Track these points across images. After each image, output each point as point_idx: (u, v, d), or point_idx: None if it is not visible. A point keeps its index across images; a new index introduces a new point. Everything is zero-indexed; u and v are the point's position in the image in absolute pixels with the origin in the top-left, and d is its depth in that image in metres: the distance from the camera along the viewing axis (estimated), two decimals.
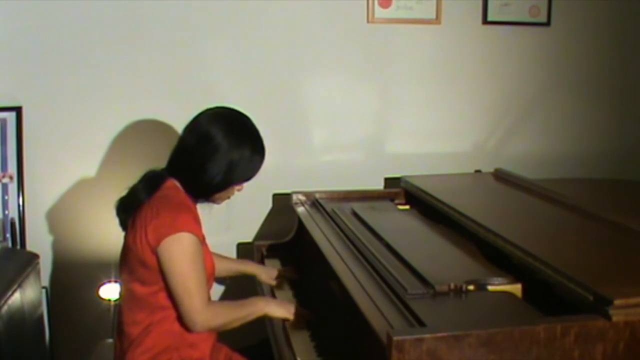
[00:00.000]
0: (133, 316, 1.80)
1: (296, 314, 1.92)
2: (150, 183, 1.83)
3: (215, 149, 1.78)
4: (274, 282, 2.28)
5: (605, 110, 3.09)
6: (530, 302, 1.56)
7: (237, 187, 1.89)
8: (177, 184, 1.84)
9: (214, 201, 1.90)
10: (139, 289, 1.79)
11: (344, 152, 2.89)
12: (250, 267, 2.33)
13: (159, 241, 1.70)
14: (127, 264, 1.81)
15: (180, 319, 1.77)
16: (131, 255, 1.77)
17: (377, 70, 2.87)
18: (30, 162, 2.60)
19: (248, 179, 1.87)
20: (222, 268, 2.21)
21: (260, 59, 2.75)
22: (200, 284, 1.73)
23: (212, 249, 1.99)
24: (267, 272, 2.31)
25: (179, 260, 1.71)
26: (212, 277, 1.93)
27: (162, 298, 1.77)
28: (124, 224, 1.85)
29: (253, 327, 1.94)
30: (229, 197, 1.91)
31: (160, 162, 1.93)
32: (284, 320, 1.93)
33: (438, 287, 1.59)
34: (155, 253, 1.72)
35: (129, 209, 1.83)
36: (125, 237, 1.83)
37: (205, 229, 1.88)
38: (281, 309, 1.92)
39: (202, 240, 1.79)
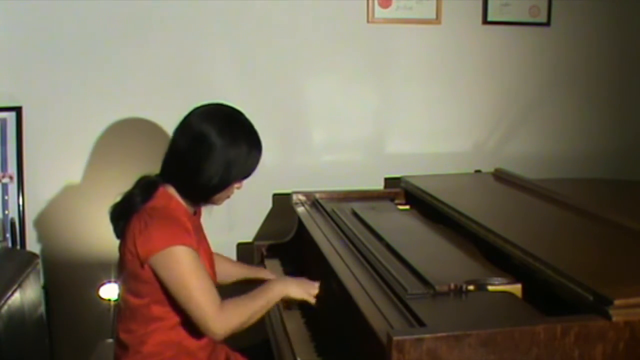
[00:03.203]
0: (127, 325, 1.76)
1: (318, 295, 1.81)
2: (145, 190, 1.74)
3: (210, 149, 1.68)
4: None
5: (605, 110, 3.09)
6: (530, 302, 1.56)
7: (236, 185, 1.79)
8: (172, 190, 1.76)
9: (214, 202, 1.81)
10: (131, 300, 1.73)
11: (344, 152, 2.89)
12: (265, 275, 2.14)
13: (147, 256, 1.63)
14: (121, 273, 1.76)
15: (176, 328, 1.72)
16: (123, 265, 1.72)
17: (377, 70, 2.87)
18: (30, 162, 2.61)
19: (247, 175, 1.78)
20: (232, 273, 2.12)
21: (260, 58, 2.75)
22: (207, 291, 1.65)
23: (212, 249, 1.96)
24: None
25: (178, 274, 1.63)
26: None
27: (155, 310, 1.71)
28: (117, 232, 1.77)
29: (253, 327, 1.93)
30: (228, 197, 1.83)
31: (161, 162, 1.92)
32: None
33: (438, 287, 1.59)
34: (144, 267, 1.65)
35: (123, 217, 1.74)
36: (119, 246, 1.76)
37: (206, 230, 1.87)
38: (301, 291, 1.82)
39: (196, 249, 1.70)
